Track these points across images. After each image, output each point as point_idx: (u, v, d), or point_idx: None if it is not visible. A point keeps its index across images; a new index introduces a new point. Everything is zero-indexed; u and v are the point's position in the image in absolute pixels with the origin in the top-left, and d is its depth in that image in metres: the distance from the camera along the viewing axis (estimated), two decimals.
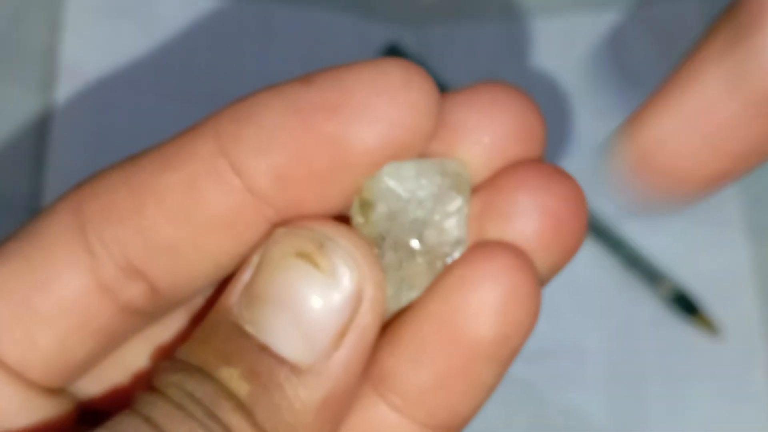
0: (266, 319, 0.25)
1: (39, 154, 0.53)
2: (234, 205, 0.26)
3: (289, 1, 0.57)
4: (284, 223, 0.26)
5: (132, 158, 0.27)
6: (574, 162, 0.56)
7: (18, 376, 0.27)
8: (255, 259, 0.26)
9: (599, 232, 0.54)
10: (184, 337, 0.28)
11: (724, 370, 0.52)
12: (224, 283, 0.27)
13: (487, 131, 0.27)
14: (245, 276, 0.26)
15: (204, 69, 0.55)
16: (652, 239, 0.54)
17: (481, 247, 0.26)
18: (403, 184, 0.26)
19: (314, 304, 0.25)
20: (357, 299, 0.25)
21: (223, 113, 0.26)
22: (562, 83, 0.56)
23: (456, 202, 0.27)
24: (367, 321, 0.25)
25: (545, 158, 0.28)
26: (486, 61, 0.56)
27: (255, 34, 0.56)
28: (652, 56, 0.57)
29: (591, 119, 0.56)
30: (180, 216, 0.26)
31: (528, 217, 0.26)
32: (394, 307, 0.27)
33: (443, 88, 0.58)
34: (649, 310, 0.53)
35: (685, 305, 0.53)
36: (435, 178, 0.26)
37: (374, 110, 0.25)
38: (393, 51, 0.55)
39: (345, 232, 0.25)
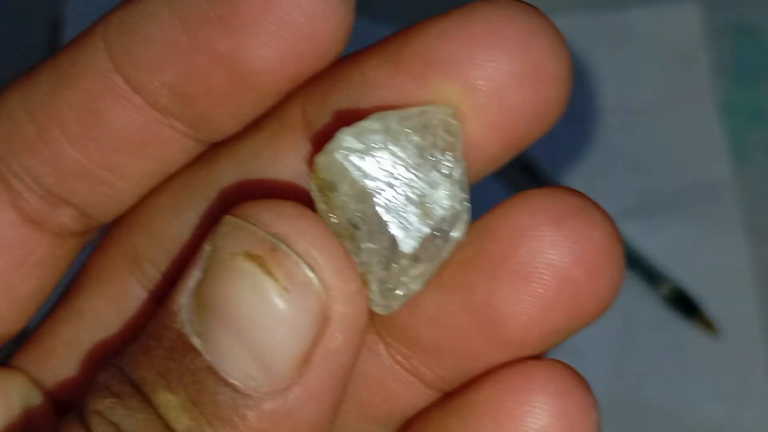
0: (215, 333, 0.21)
1: None
2: (140, 124, 0.23)
3: None
4: (241, 200, 0.22)
5: (27, 76, 0.24)
6: (575, 163, 0.56)
7: None
8: (206, 250, 0.21)
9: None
10: (144, 321, 0.25)
11: (724, 370, 0.52)
12: (185, 264, 0.23)
13: (483, 65, 0.21)
14: (196, 272, 0.21)
15: None
16: (652, 239, 0.54)
17: (522, 369, 0.22)
18: (369, 152, 0.21)
19: (267, 322, 0.20)
20: (321, 317, 0.21)
21: (110, 21, 0.24)
22: None
23: (445, 164, 0.21)
24: (337, 344, 0.21)
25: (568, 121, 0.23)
26: None
27: None
28: (652, 56, 0.57)
29: (591, 119, 0.56)
30: (85, 140, 0.24)
31: (526, 280, 0.22)
32: (384, 310, 0.22)
33: None
34: (649, 310, 0.53)
35: (685, 305, 0.53)
36: (412, 135, 0.21)
37: (269, 23, 0.22)
38: None
39: (305, 228, 0.21)
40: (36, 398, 0.26)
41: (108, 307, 0.25)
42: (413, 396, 0.24)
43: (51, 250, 0.25)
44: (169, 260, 0.25)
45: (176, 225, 0.24)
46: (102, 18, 0.24)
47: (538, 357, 0.23)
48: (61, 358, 0.26)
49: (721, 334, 0.53)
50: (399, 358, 0.24)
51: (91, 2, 0.56)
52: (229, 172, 0.24)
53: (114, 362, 0.22)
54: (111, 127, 0.23)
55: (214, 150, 0.24)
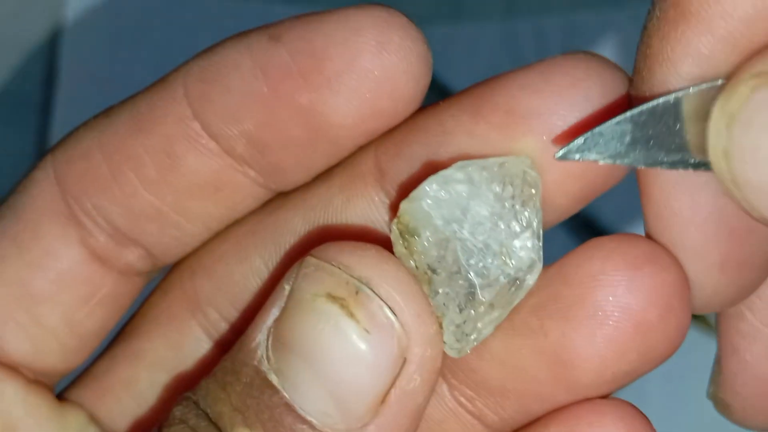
0: (293, 371, 0.21)
1: (40, 153, 0.53)
2: (215, 169, 0.24)
3: (289, 1, 0.57)
4: (310, 247, 0.22)
5: (104, 116, 0.25)
6: None
7: (30, 376, 0.26)
8: (285, 289, 0.22)
9: (598, 232, 0.54)
10: (205, 367, 0.26)
11: None
12: (252, 309, 0.25)
13: (566, 117, 0.22)
14: (273, 311, 0.22)
15: None
16: None
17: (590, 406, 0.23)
18: (452, 201, 0.21)
19: (347, 362, 0.21)
20: (401, 358, 0.21)
21: (191, 69, 0.24)
22: None
23: (524, 215, 0.22)
24: (414, 385, 0.21)
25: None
26: (486, 61, 0.56)
27: None
28: None
29: None
30: (160, 183, 0.24)
31: (600, 323, 0.22)
32: (457, 353, 0.22)
33: (443, 89, 0.58)
34: None
35: None
36: (493, 185, 0.22)
37: (349, 80, 0.22)
38: None
39: (387, 272, 0.21)
40: None
41: (167, 349, 0.26)
42: None
43: (115, 288, 0.26)
44: (233, 305, 0.25)
45: (241, 270, 0.25)
46: (183, 65, 0.24)
47: (604, 397, 0.23)
48: (118, 396, 0.26)
49: None
50: (462, 399, 0.24)
51: (91, 2, 0.56)
52: (298, 220, 0.24)
53: (189, 396, 0.22)
54: (186, 172, 0.24)
55: (281, 198, 0.25)
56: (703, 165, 0.21)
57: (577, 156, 0.21)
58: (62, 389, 0.27)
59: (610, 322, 0.22)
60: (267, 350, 0.22)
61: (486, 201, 0.21)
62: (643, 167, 0.21)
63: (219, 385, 0.22)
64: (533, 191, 0.22)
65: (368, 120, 0.23)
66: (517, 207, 0.22)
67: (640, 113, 0.21)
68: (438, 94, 0.60)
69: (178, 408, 0.22)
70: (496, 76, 0.23)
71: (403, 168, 0.23)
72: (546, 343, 0.23)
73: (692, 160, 0.21)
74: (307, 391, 0.21)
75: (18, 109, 0.54)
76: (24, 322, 0.25)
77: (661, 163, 0.21)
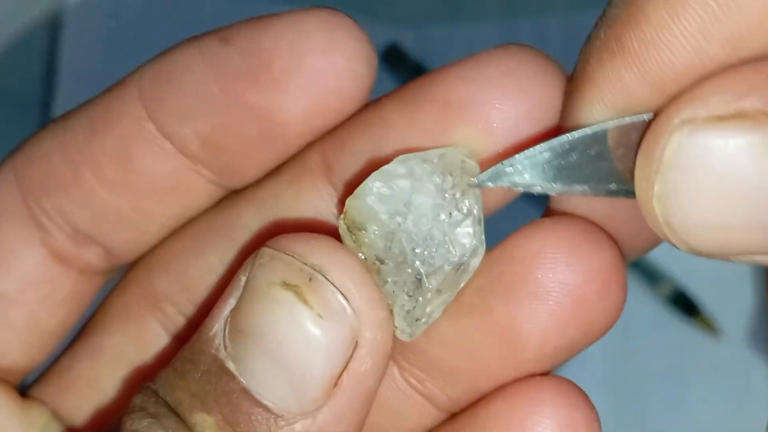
0: (249, 357, 0.22)
1: None
2: (170, 169, 0.25)
3: (289, 1, 0.57)
4: (263, 241, 0.23)
5: (62, 120, 0.26)
6: None
7: None
8: (242, 280, 0.22)
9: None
10: (163, 360, 0.26)
11: (723, 370, 0.52)
12: (208, 303, 0.25)
13: (497, 106, 0.23)
14: (230, 301, 0.22)
15: None
16: None
17: (527, 385, 0.24)
18: (395, 195, 0.22)
19: (301, 347, 0.22)
20: (352, 342, 0.22)
21: (145, 72, 0.25)
22: None
23: (465, 203, 0.23)
24: (365, 368, 0.22)
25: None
26: None
27: None
28: None
29: None
30: (118, 183, 0.25)
31: (541, 299, 0.23)
32: (408, 337, 0.23)
33: None
34: (649, 310, 0.53)
35: (685, 305, 0.53)
36: (434, 176, 0.23)
37: (296, 79, 0.23)
38: (393, 51, 0.55)
39: (340, 260, 0.22)
40: (56, 430, 0.27)
41: (127, 344, 0.26)
42: (423, 418, 0.25)
43: (76, 287, 0.26)
44: (189, 300, 0.26)
45: (197, 266, 0.26)
46: (137, 69, 0.25)
47: (544, 374, 0.24)
48: (81, 391, 0.27)
49: (721, 334, 0.53)
50: (413, 381, 0.25)
51: (91, 2, 0.56)
52: (250, 215, 0.25)
53: (149, 385, 0.23)
54: (142, 171, 0.25)
55: (233, 195, 0.26)
56: (626, 193, 0.22)
57: (500, 182, 0.22)
58: (24, 387, 0.28)
59: (551, 299, 0.23)
60: (224, 339, 0.22)
61: (427, 193, 0.22)
62: (563, 195, 0.23)
63: (178, 374, 0.23)
64: (471, 179, 0.23)
65: (315, 118, 0.24)
66: (458, 196, 0.23)
67: (565, 142, 0.22)
68: None
69: (138, 397, 0.23)
70: (435, 69, 0.23)
71: (348, 161, 0.24)
72: (492, 321, 0.23)
73: (615, 188, 0.22)
74: (262, 377, 0.22)
75: (18, 109, 0.54)
76: None
77: (583, 192, 0.22)
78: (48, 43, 0.55)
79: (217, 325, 0.22)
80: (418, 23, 0.57)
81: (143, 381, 0.24)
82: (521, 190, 0.22)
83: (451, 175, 0.23)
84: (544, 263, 0.23)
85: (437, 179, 0.23)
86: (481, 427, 0.24)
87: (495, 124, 0.23)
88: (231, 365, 0.22)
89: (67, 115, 0.26)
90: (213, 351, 0.22)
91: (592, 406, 0.24)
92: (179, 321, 0.26)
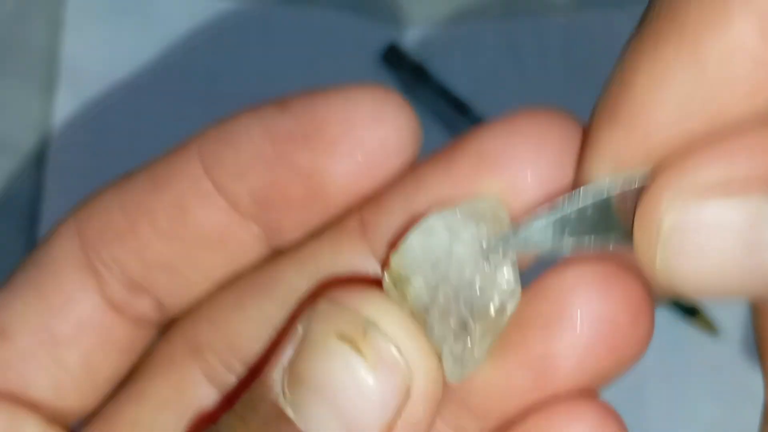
0: (307, 405, 0.23)
1: (39, 153, 0.54)
2: (221, 223, 0.26)
3: (289, 1, 0.57)
4: (322, 290, 0.25)
5: (124, 178, 0.27)
6: None
7: (49, 416, 0.27)
8: (299, 331, 0.24)
9: None
10: (205, 406, 0.28)
11: (723, 370, 0.52)
12: (250, 353, 0.27)
13: (526, 161, 0.24)
14: (288, 351, 0.24)
15: (204, 69, 0.55)
16: None
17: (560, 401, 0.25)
18: (435, 247, 0.24)
19: (357, 396, 0.23)
20: (405, 391, 0.23)
21: (207, 134, 0.27)
22: (563, 83, 0.56)
23: (500, 249, 0.24)
24: (418, 416, 0.23)
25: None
26: (486, 61, 0.56)
27: (255, 34, 0.56)
28: None
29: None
30: (171, 234, 0.26)
31: (578, 329, 0.24)
32: (458, 380, 0.24)
33: (443, 89, 0.58)
34: None
35: (685, 305, 0.53)
36: (470, 227, 0.24)
37: (344, 145, 0.25)
38: (393, 51, 0.55)
39: (391, 313, 0.24)
40: None
41: (170, 391, 0.28)
42: None
43: (129, 336, 0.28)
44: (231, 349, 0.27)
45: (239, 318, 0.27)
46: (200, 132, 0.27)
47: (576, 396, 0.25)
48: None
49: (721, 334, 0.53)
50: (448, 417, 0.26)
51: (91, 2, 0.56)
52: (291, 273, 0.27)
53: (211, 429, 0.24)
54: (195, 224, 0.26)
55: (276, 255, 0.27)
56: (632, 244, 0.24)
57: (514, 248, 0.24)
58: (72, 430, 0.29)
59: (587, 330, 0.24)
60: (283, 386, 0.24)
61: (465, 242, 0.24)
62: (573, 251, 0.24)
63: (239, 418, 0.24)
64: (506, 226, 0.24)
65: (359, 182, 0.25)
66: (495, 241, 0.24)
67: (568, 204, 0.24)
68: (438, 93, 0.60)
69: None
70: (470, 131, 0.25)
71: (383, 218, 0.26)
72: (528, 355, 0.25)
73: (622, 241, 0.24)
74: (320, 423, 0.23)
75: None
76: (46, 364, 0.27)
77: (591, 248, 0.24)
78: (47, 43, 0.55)
79: (276, 374, 0.24)
80: (418, 23, 0.57)
81: (184, 426, 0.26)
82: (532, 252, 0.24)
83: (484, 223, 0.24)
84: (579, 297, 0.24)
85: (473, 229, 0.24)
86: None
87: (521, 176, 0.24)
88: (290, 412, 0.23)
89: (128, 173, 0.27)
90: (273, 397, 0.24)
91: (621, 421, 0.26)
92: (220, 369, 0.27)
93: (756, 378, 0.52)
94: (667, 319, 0.53)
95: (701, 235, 0.22)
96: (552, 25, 0.57)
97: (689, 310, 0.53)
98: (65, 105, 0.54)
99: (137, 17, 0.56)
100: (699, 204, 0.22)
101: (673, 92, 0.21)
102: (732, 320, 0.53)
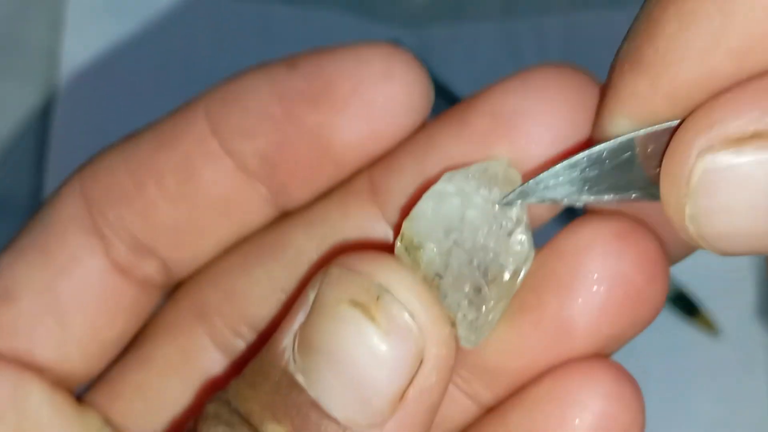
0: (318, 371, 0.23)
1: (39, 153, 0.54)
2: (228, 184, 0.26)
3: (289, 1, 0.57)
4: (334, 256, 0.24)
5: (129, 138, 0.27)
6: None
7: (54, 379, 0.27)
8: (310, 297, 0.24)
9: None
10: (211, 369, 0.28)
11: (724, 370, 0.52)
12: (257, 318, 0.26)
13: (541, 120, 0.24)
14: (299, 316, 0.24)
15: (204, 68, 0.55)
16: None
17: (574, 367, 0.24)
18: (447, 212, 0.24)
19: (369, 362, 0.23)
20: (418, 358, 0.23)
21: (213, 92, 0.26)
22: None
23: (513, 212, 0.24)
24: (430, 382, 0.23)
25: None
26: (486, 61, 0.56)
27: (255, 34, 0.56)
28: None
29: None
30: (178, 196, 0.26)
31: (594, 289, 0.24)
32: (473, 345, 0.24)
33: (443, 89, 0.58)
34: None
35: (685, 305, 0.53)
36: (482, 191, 0.24)
37: (354, 105, 0.24)
38: None
39: (405, 280, 0.23)
40: None
41: (176, 356, 0.27)
42: (464, 415, 0.26)
43: (134, 299, 0.27)
44: (237, 313, 0.27)
45: (246, 282, 0.27)
46: (206, 90, 0.26)
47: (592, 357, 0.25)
48: (130, 400, 0.28)
49: (721, 334, 0.53)
50: (459, 381, 0.26)
51: (91, 2, 0.56)
52: (299, 236, 0.26)
53: (220, 395, 0.24)
54: (202, 185, 0.26)
55: (284, 218, 0.27)
56: (651, 197, 0.23)
57: (528, 200, 0.23)
58: (77, 394, 0.28)
59: (603, 289, 0.24)
60: (294, 353, 0.23)
61: (477, 206, 0.23)
62: (590, 205, 0.24)
63: (248, 385, 0.24)
64: (505, 198, 0.24)
65: (369, 142, 0.25)
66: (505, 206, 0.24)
67: (588, 155, 0.23)
68: (437, 93, 0.60)
69: (210, 405, 0.24)
70: (481, 90, 0.25)
71: (394, 180, 0.25)
72: (544, 316, 0.24)
73: (640, 194, 0.23)
74: (331, 390, 0.23)
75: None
76: (51, 328, 0.27)
77: (609, 201, 0.23)
78: (47, 42, 0.55)
79: (286, 340, 0.23)
80: (418, 23, 0.57)
81: (192, 390, 0.26)
82: (549, 204, 0.23)
83: (497, 186, 0.24)
84: (594, 255, 0.24)
85: (485, 192, 0.24)
86: (533, 406, 0.25)
87: (535, 136, 0.24)
88: (301, 378, 0.23)
89: (134, 132, 0.27)
90: (283, 364, 0.23)
91: (637, 384, 0.25)
92: (227, 334, 0.27)
93: (756, 378, 0.52)
94: (667, 319, 0.53)
95: (733, 187, 0.21)
96: (552, 25, 0.57)
97: (689, 310, 0.53)
98: (65, 105, 0.54)
99: (137, 17, 0.56)
100: (732, 154, 0.21)
101: (700, 38, 0.21)
102: (732, 320, 0.53)
